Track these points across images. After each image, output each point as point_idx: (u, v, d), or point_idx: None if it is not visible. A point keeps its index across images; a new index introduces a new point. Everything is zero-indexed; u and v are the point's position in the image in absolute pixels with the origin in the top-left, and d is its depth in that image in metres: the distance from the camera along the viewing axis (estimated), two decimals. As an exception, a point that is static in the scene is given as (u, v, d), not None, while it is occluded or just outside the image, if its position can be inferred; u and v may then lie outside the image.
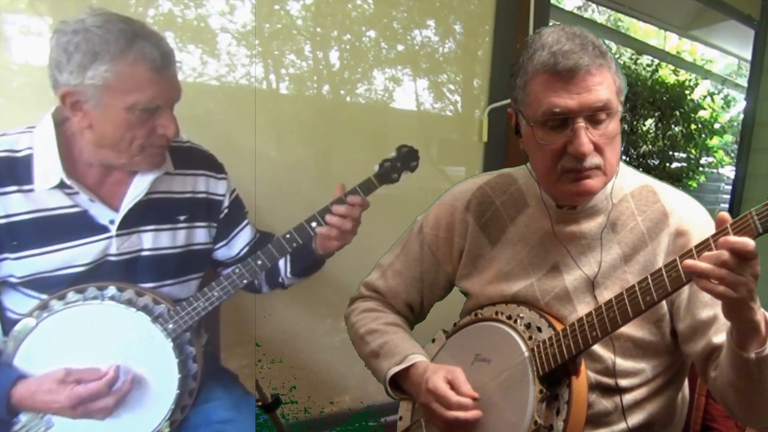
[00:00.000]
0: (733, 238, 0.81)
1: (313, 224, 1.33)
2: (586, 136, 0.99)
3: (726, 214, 0.84)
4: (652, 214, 1.10)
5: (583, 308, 1.08)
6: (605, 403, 1.08)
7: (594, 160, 1.02)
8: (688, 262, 0.84)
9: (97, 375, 1.17)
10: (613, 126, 1.02)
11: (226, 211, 1.42)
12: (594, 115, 1.00)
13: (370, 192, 1.34)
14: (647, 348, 1.08)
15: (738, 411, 1.00)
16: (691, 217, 1.09)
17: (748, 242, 0.80)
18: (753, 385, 0.92)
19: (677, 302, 1.06)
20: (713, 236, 0.84)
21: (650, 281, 0.91)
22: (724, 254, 0.80)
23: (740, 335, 0.89)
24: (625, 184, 1.13)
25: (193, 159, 1.38)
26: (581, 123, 0.99)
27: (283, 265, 1.46)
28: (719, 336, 1.01)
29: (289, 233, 1.34)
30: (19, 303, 1.24)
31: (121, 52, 1.12)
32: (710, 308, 1.03)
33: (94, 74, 1.11)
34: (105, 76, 1.11)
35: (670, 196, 1.12)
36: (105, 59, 1.11)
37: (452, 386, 1.06)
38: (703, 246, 0.85)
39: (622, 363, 1.07)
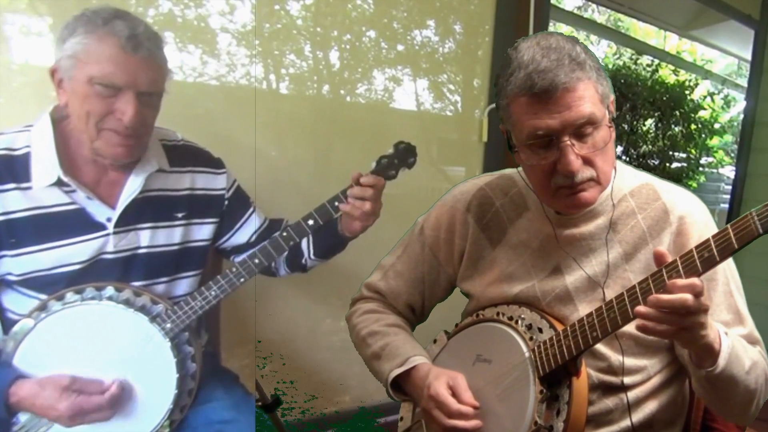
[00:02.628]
0: (681, 282, 0.84)
1: (310, 222, 1.33)
2: (573, 154, 0.98)
3: (662, 251, 0.88)
4: (652, 212, 1.09)
5: (584, 308, 1.08)
6: (607, 402, 1.08)
7: (585, 173, 1.01)
8: (640, 309, 0.86)
9: (100, 388, 1.17)
10: (600, 136, 1.01)
11: (228, 204, 1.42)
12: (579, 129, 0.99)
13: None
14: (649, 346, 1.08)
15: (713, 412, 1.12)
16: (692, 216, 1.08)
17: (697, 283, 0.83)
18: (709, 395, 1.00)
19: None
20: (713, 237, 0.85)
21: (650, 281, 0.90)
22: (687, 299, 0.83)
23: (697, 355, 0.94)
24: (625, 184, 1.13)
25: (188, 156, 1.38)
26: (567, 141, 0.98)
27: (306, 246, 1.46)
28: None
29: (286, 231, 1.34)
30: (17, 303, 1.24)
31: (95, 26, 1.14)
32: None
33: (68, 46, 1.14)
34: (75, 48, 1.14)
35: (671, 193, 1.12)
36: (80, 32, 1.14)
37: (454, 393, 1.06)
38: (704, 247, 0.85)
39: (625, 360, 1.07)
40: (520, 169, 1.16)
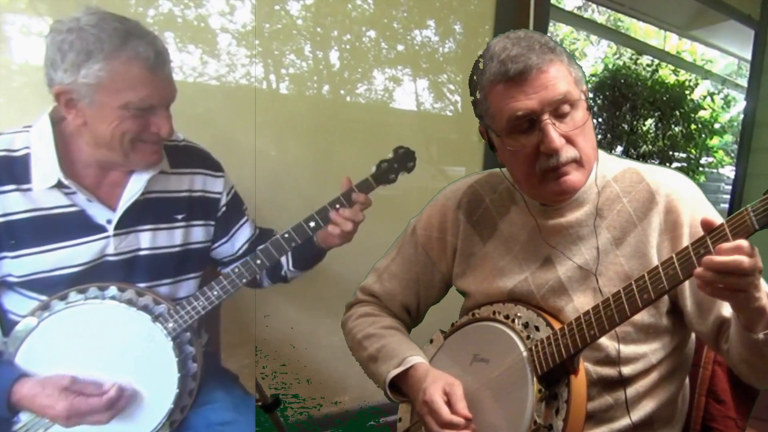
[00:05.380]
0: (727, 245, 0.81)
1: (312, 224, 1.34)
2: (555, 132, 1.00)
3: (710, 219, 0.85)
4: (638, 195, 1.10)
5: (579, 298, 1.08)
6: (607, 398, 1.08)
7: (569, 153, 1.02)
8: (698, 271, 0.84)
9: (99, 390, 1.17)
10: (579, 115, 1.03)
11: (224, 209, 1.42)
12: (557, 109, 1.01)
13: (367, 192, 1.35)
14: (647, 331, 1.08)
15: (754, 381, 1.02)
16: (678, 193, 1.08)
17: (743, 245, 0.80)
18: (765, 360, 0.93)
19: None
20: (709, 234, 0.84)
21: (647, 279, 0.91)
22: (741, 260, 0.80)
23: (748, 318, 0.90)
24: (608, 171, 1.13)
25: (189, 157, 1.38)
26: (547, 120, 1.00)
27: (285, 259, 1.46)
28: (727, 308, 1.01)
29: (288, 233, 1.34)
30: (18, 304, 1.24)
31: (114, 51, 1.12)
32: None
33: (88, 73, 1.12)
34: (99, 75, 1.12)
35: (654, 174, 1.12)
36: (98, 58, 1.11)
37: (449, 401, 1.06)
38: (699, 244, 0.85)
39: (624, 348, 1.07)
40: (504, 170, 1.17)
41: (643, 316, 1.07)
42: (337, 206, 1.34)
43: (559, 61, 1.02)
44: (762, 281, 0.87)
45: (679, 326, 1.11)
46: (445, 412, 1.04)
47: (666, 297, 1.07)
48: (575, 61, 1.05)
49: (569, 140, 1.02)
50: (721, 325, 1.02)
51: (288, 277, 1.50)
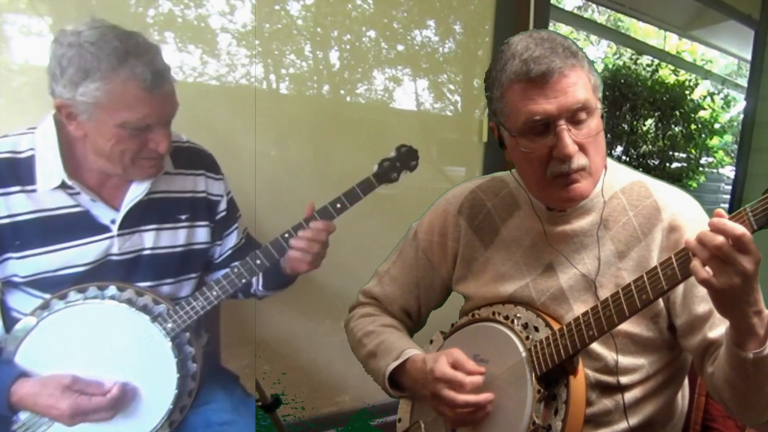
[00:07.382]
0: (726, 222, 0.80)
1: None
2: (569, 138, 1.00)
3: (722, 211, 0.83)
4: (644, 210, 1.10)
5: (579, 307, 1.08)
6: (606, 402, 1.08)
7: (580, 161, 1.02)
8: (689, 240, 0.84)
9: (101, 390, 1.17)
10: (594, 124, 1.03)
11: (223, 213, 1.42)
12: (574, 115, 1.00)
13: (368, 191, 1.34)
14: (645, 344, 1.08)
15: (733, 407, 1.00)
16: (683, 212, 1.08)
17: (738, 228, 0.79)
18: (749, 384, 0.91)
19: (673, 298, 1.06)
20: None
21: (646, 279, 0.91)
22: (718, 238, 0.80)
23: (737, 334, 0.89)
24: (616, 181, 1.13)
25: (192, 159, 1.38)
26: (563, 125, 1.00)
27: (255, 279, 1.43)
28: (715, 330, 1.01)
29: (288, 232, 1.33)
30: (23, 302, 1.24)
31: (112, 71, 1.11)
32: (706, 303, 1.02)
33: (85, 91, 1.12)
34: (95, 94, 1.12)
35: (662, 191, 1.12)
36: (95, 77, 1.11)
37: (456, 367, 1.06)
38: None
39: (622, 360, 1.07)
40: (513, 170, 1.17)
41: (642, 330, 1.07)
42: (297, 232, 1.30)
43: (580, 66, 1.01)
44: (761, 303, 0.85)
45: (677, 342, 1.11)
46: (462, 377, 1.05)
47: (664, 312, 1.07)
48: (594, 68, 1.05)
49: (581, 148, 1.02)
50: (708, 347, 1.02)
51: (259, 295, 1.49)
